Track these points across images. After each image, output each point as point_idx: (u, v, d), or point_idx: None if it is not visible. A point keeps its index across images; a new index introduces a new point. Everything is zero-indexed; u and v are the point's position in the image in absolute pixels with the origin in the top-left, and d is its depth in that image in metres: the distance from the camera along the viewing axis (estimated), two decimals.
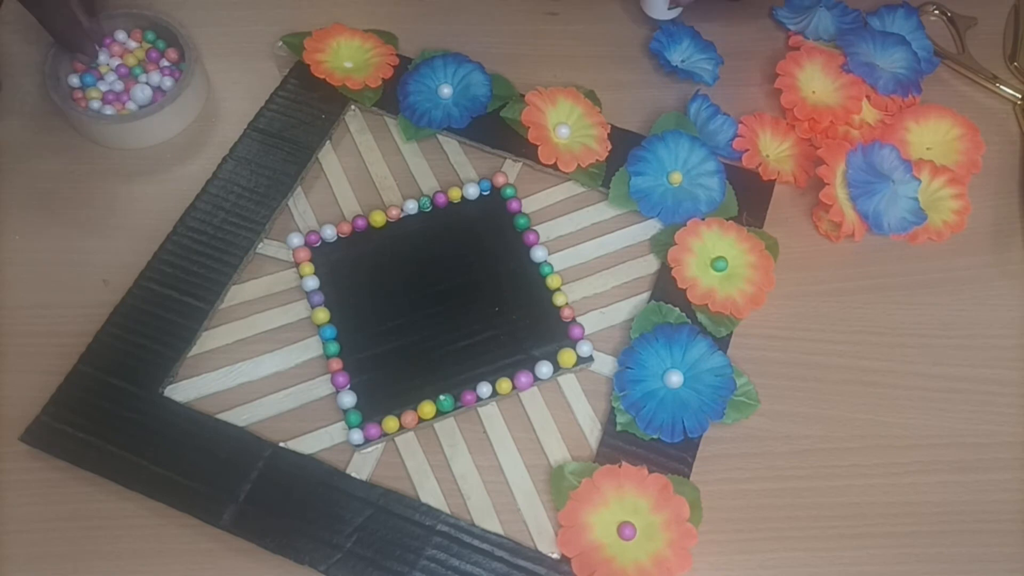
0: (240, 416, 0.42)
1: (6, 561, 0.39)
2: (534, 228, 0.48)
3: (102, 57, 0.51)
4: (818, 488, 0.42)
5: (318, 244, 0.47)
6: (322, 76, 0.51)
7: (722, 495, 0.41)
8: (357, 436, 0.41)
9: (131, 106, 0.50)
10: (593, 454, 0.42)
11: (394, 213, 0.48)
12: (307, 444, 0.42)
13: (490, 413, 0.43)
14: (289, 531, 0.39)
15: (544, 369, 0.43)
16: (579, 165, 0.49)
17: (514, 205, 0.49)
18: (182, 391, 0.43)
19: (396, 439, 0.42)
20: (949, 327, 0.46)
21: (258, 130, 0.51)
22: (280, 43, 0.53)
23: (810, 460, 0.43)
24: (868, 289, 0.47)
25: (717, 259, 0.46)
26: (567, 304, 0.46)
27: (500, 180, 0.49)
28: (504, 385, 0.43)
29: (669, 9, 0.54)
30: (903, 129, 0.51)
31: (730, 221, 0.48)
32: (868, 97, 0.52)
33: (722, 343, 0.45)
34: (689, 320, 0.45)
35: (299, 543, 0.39)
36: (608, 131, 0.51)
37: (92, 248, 0.47)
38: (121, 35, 0.52)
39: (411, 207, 0.48)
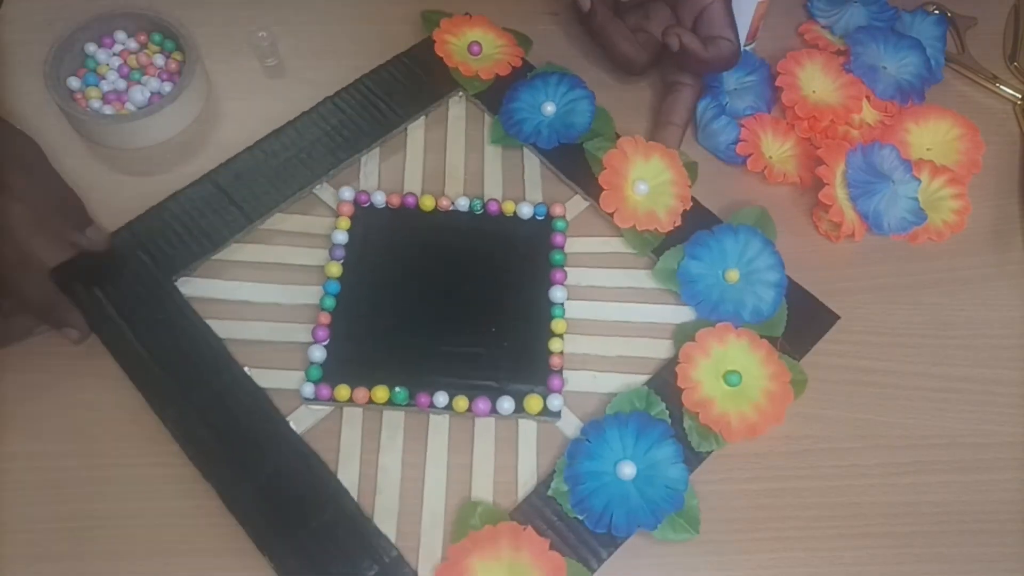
0: (224, 328, 0.44)
1: (6, 561, 0.39)
2: (566, 268, 0.47)
3: (100, 53, 0.52)
4: (818, 488, 0.42)
5: (366, 205, 0.49)
6: (441, 55, 0.53)
7: (721, 495, 0.41)
8: (309, 390, 0.42)
9: (130, 106, 0.51)
10: (514, 506, 0.41)
11: (444, 204, 0.48)
12: (266, 378, 0.43)
13: (438, 423, 0.43)
14: (215, 449, 0.41)
15: (506, 404, 0.42)
16: (635, 226, 0.47)
17: (558, 239, 0.48)
18: (191, 286, 0.46)
19: (344, 409, 0.43)
20: (949, 327, 0.46)
21: (366, 85, 0.52)
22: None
23: (810, 460, 0.42)
24: (868, 289, 0.47)
25: (731, 372, 0.43)
26: (560, 352, 0.44)
27: (557, 211, 0.48)
28: (461, 403, 0.42)
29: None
30: (903, 130, 0.51)
31: (764, 340, 0.44)
32: (868, 98, 0.51)
33: (697, 458, 0.42)
34: (671, 420, 0.42)
35: (217, 464, 0.41)
36: (688, 207, 0.48)
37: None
38: (121, 35, 0.53)
39: (463, 204, 0.48)
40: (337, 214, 0.48)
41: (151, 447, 0.42)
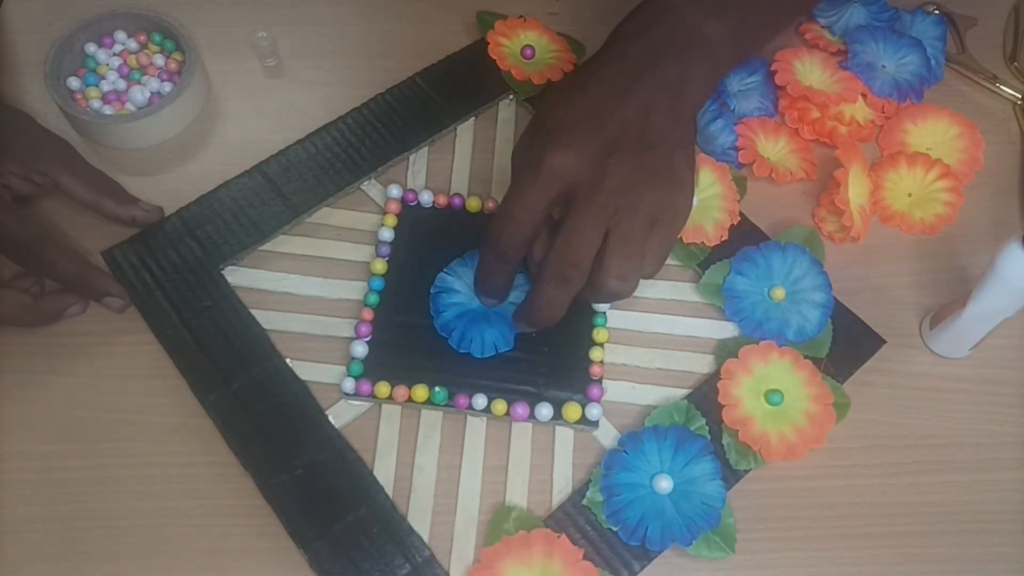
0: (268, 319, 0.45)
1: (6, 561, 0.39)
2: None
3: (100, 53, 0.52)
4: (818, 488, 0.42)
5: (413, 203, 0.49)
6: (494, 57, 0.53)
7: None
8: (349, 385, 0.43)
9: (130, 107, 0.50)
10: (547, 513, 0.41)
11: (490, 206, 0.49)
12: (307, 370, 0.44)
13: (476, 426, 0.43)
14: (253, 436, 0.42)
15: (544, 411, 0.42)
16: (682, 238, 0.47)
17: None
18: (237, 276, 0.46)
19: (383, 406, 0.43)
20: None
21: (417, 83, 0.53)
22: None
23: (810, 460, 0.42)
24: (868, 289, 0.47)
25: (773, 391, 0.42)
26: (600, 362, 0.44)
27: None
28: (499, 407, 0.42)
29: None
30: (901, 131, 0.52)
31: (808, 360, 0.44)
32: (864, 96, 0.52)
33: (735, 476, 0.41)
34: (710, 436, 0.42)
35: (254, 450, 0.41)
36: (736, 222, 0.48)
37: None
38: (121, 35, 0.52)
39: None
40: (384, 211, 0.48)
41: (172, 446, 0.42)
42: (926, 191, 0.50)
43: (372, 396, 0.43)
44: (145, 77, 0.52)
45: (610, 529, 0.40)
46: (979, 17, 0.58)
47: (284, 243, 0.48)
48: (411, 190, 0.49)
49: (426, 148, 0.51)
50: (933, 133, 0.52)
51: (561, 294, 0.40)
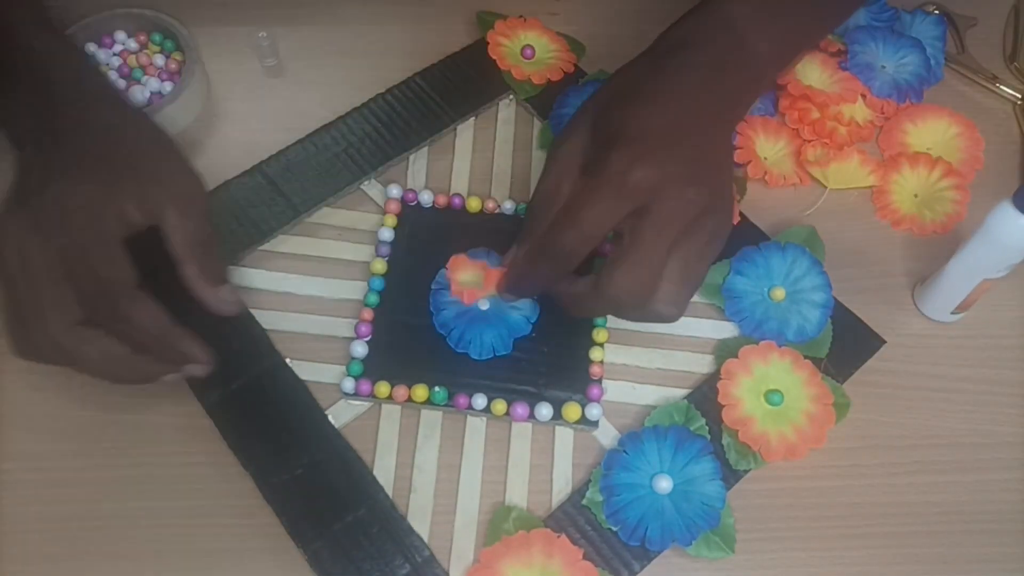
0: (268, 319, 0.45)
1: (6, 561, 0.39)
2: None
3: (100, 53, 0.52)
4: (818, 488, 0.42)
5: (412, 203, 0.49)
6: (494, 57, 0.53)
7: None
8: (349, 385, 0.43)
9: None
10: (547, 513, 0.41)
11: (490, 206, 0.48)
12: (307, 370, 0.44)
13: (475, 425, 0.43)
14: (253, 436, 0.42)
15: (544, 411, 0.42)
16: None
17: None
18: (237, 275, 0.46)
19: (383, 406, 0.43)
20: (949, 327, 0.46)
21: (417, 83, 0.53)
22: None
23: (810, 460, 0.42)
24: (868, 289, 0.47)
25: (773, 391, 0.42)
26: (600, 362, 0.44)
27: None
28: (499, 406, 0.42)
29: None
30: (901, 131, 0.52)
31: (807, 360, 0.44)
32: (864, 96, 0.52)
33: (735, 476, 0.41)
34: (710, 436, 0.42)
35: (254, 450, 0.41)
36: (737, 222, 0.48)
37: None
38: (121, 35, 0.52)
39: (508, 207, 0.48)
40: (384, 211, 0.48)
41: (172, 446, 0.42)
42: (932, 190, 0.50)
43: (372, 396, 0.43)
44: (145, 77, 0.52)
45: (610, 529, 0.40)
46: (979, 17, 0.58)
47: (284, 243, 0.48)
48: (411, 190, 0.49)
49: (426, 148, 0.51)
50: (933, 133, 0.52)
51: (605, 311, 0.40)
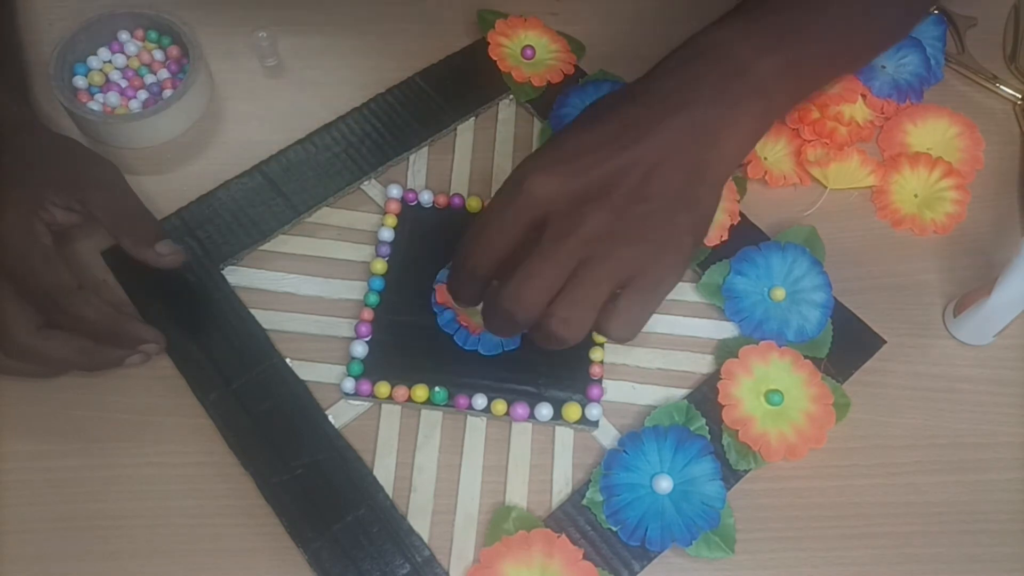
0: (268, 319, 0.45)
1: (6, 561, 0.39)
2: None
3: (104, 53, 0.52)
4: (818, 488, 0.42)
5: (413, 203, 0.49)
6: (495, 58, 0.53)
7: None
8: (349, 385, 0.43)
9: (135, 105, 0.51)
10: (547, 513, 0.41)
11: None
12: (307, 370, 0.44)
13: (475, 425, 0.43)
14: (253, 436, 0.42)
15: (544, 411, 0.42)
16: None
17: None
18: (237, 275, 0.46)
19: (383, 406, 0.43)
20: (949, 328, 0.46)
21: (418, 83, 0.53)
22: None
23: (810, 460, 0.42)
24: (868, 289, 0.47)
25: (773, 391, 0.42)
26: (600, 362, 0.44)
27: None
28: (499, 406, 0.42)
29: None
30: (901, 131, 0.52)
31: (808, 360, 0.44)
32: (864, 96, 0.51)
33: (735, 476, 0.41)
34: (710, 436, 0.42)
35: (254, 450, 0.41)
36: (736, 222, 0.48)
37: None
38: (124, 35, 0.52)
39: None
40: (384, 211, 0.48)
41: (172, 446, 0.42)
42: (932, 190, 0.50)
43: (372, 396, 0.43)
44: (149, 76, 0.52)
45: (610, 529, 0.40)
46: (979, 17, 0.58)
47: (284, 243, 0.48)
48: (411, 190, 0.49)
49: (426, 148, 0.51)
50: (933, 133, 0.52)
51: (506, 327, 0.37)
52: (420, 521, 0.40)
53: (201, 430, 0.42)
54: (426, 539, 0.40)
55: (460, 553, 0.40)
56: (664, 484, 0.40)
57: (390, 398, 0.43)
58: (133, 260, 0.42)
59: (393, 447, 0.42)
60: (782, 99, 0.40)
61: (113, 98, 0.51)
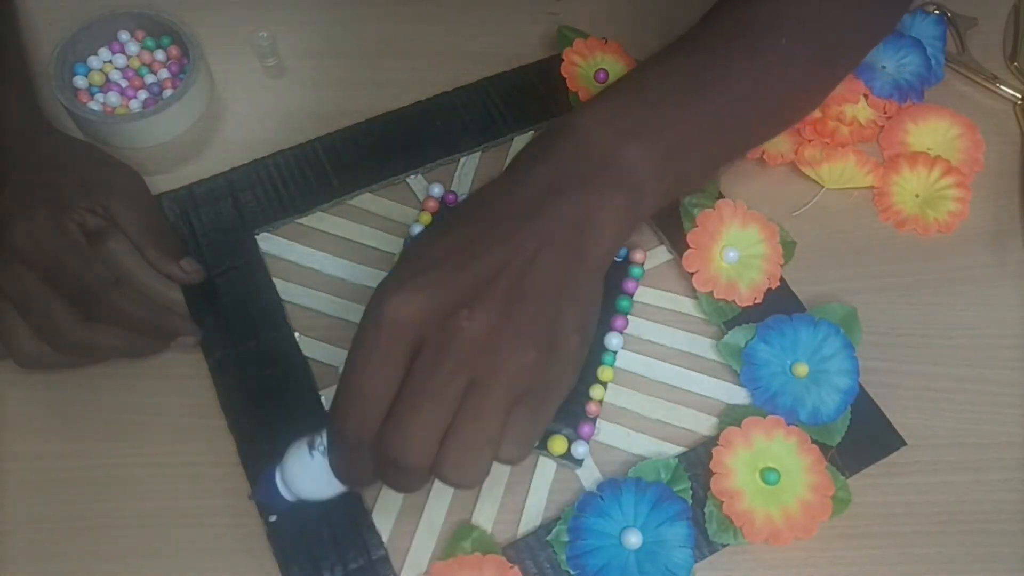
0: (287, 291, 0.46)
1: (6, 561, 0.39)
2: (629, 316, 0.45)
3: (104, 53, 0.52)
4: None
5: (452, 205, 0.49)
6: (565, 75, 0.52)
7: None
8: None
9: (135, 105, 0.50)
10: (509, 541, 0.40)
11: None
12: (311, 347, 0.44)
13: None
14: (251, 407, 0.42)
15: None
16: (713, 292, 0.45)
17: (630, 286, 0.46)
18: (269, 243, 0.47)
19: None
20: (949, 327, 0.46)
21: (483, 87, 0.53)
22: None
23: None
24: (868, 289, 0.47)
25: (770, 470, 0.40)
26: (599, 400, 0.43)
27: (637, 257, 0.47)
28: None
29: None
30: (903, 131, 0.52)
31: (816, 445, 0.41)
32: (866, 96, 0.51)
33: (710, 547, 0.40)
34: (692, 501, 0.40)
35: (243, 415, 0.42)
36: (775, 286, 0.46)
37: None
38: (124, 35, 0.52)
39: None
40: (421, 208, 0.49)
41: (172, 446, 0.42)
42: (933, 190, 0.50)
43: None
44: (149, 76, 0.52)
45: (567, 572, 0.39)
46: (979, 17, 0.57)
47: (320, 220, 0.48)
48: (452, 192, 0.49)
49: (478, 153, 0.51)
50: (934, 133, 0.52)
51: (402, 479, 0.32)
52: (384, 520, 0.40)
53: (202, 430, 0.42)
54: (385, 539, 0.40)
55: (414, 560, 0.39)
56: (633, 539, 0.39)
57: None
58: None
59: None
60: (653, 188, 0.35)
61: (113, 98, 0.51)
